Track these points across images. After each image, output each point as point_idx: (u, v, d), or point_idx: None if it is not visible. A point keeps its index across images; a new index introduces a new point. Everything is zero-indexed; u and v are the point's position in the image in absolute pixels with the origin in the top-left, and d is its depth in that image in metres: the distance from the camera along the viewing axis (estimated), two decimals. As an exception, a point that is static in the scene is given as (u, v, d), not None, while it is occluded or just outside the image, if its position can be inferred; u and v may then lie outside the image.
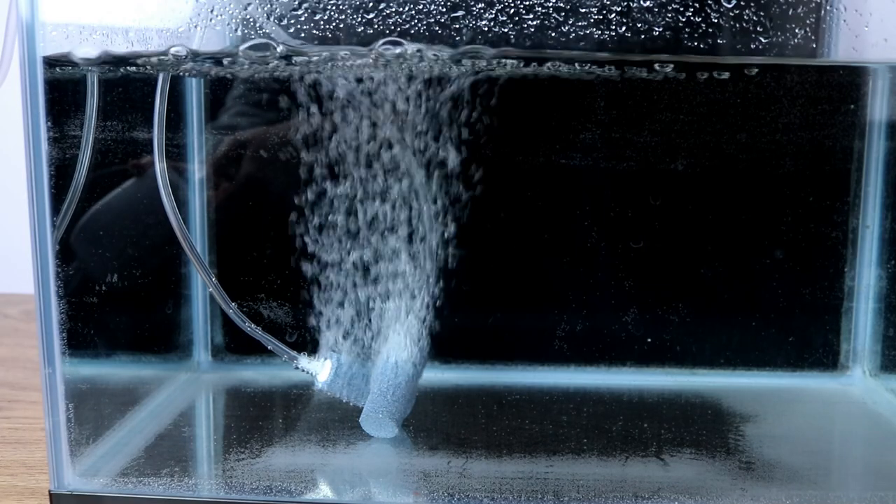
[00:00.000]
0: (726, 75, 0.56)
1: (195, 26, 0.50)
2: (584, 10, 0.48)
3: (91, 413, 0.55)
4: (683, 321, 0.69)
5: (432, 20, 0.48)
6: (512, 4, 0.47)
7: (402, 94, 0.56)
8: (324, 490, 0.52)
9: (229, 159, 0.69)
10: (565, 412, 0.63)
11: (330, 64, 0.52)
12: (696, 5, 0.48)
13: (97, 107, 0.54)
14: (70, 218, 0.51)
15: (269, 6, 0.49)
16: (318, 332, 0.60)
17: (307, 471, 0.54)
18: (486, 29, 0.48)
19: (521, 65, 0.51)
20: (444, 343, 0.63)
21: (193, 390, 0.69)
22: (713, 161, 0.68)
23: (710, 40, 0.48)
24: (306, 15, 0.49)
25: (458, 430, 0.59)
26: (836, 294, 0.69)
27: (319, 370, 0.59)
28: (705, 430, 0.60)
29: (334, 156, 0.58)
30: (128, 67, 0.55)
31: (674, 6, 0.48)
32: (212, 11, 0.50)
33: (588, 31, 0.48)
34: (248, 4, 0.49)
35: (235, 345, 0.72)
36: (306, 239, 0.60)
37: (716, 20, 0.48)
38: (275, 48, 0.48)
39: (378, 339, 0.60)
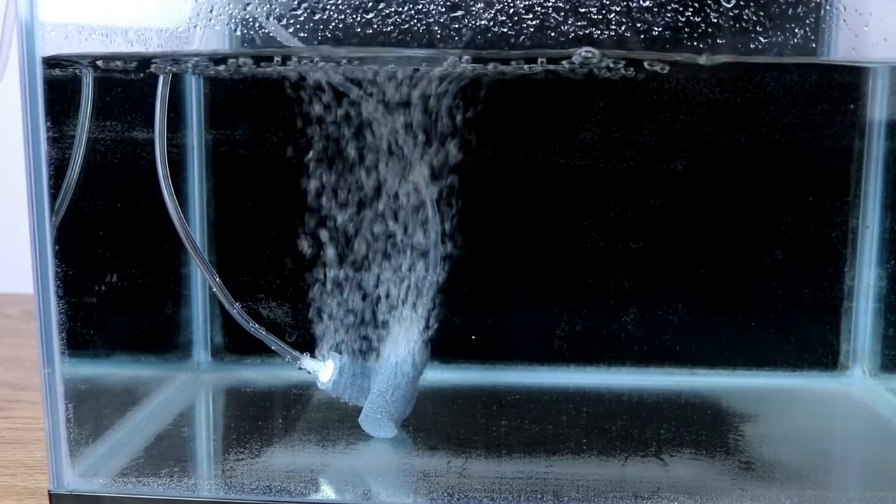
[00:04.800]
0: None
1: (195, 26, 0.50)
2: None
3: (90, 413, 0.55)
4: (683, 321, 0.69)
5: (432, 20, 0.48)
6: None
7: (404, 94, 0.56)
8: (324, 490, 0.52)
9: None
10: (565, 412, 0.63)
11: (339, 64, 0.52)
12: (696, 5, 0.48)
13: (92, 106, 0.54)
14: (62, 216, 0.51)
15: (268, 6, 0.49)
16: (319, 333, 0.60)
17: (307, 471, 0.54)
18: (484, 28, 0.48)
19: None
20: (444, 343, 0.63)
21: (193, 390, 0.69)
22: (713, 161, 0.68)
23: (709, 40, 0.48)
24: (306, 14, 0.49)
25: (458, 430, 0.59)
26: (836, 294, 0.69)
27: (322, 370, 0.59)
28: (705, 430, 0.60)
29: (336, 156, 0.58)
30: (128, 67, 0.55)
31: (673, 6, 0.48)
32: (211, 11, 0.50)
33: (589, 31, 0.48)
34: (248, 4, 0.49)
35: (235, 345, 0.72)
36: (307, 239, 0.60)
37: (715, 20, 0.48)
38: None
39: (379, 340, 0.60)
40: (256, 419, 0.62)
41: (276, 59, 0.51)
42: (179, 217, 0.59)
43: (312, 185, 0.59)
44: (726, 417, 0.62)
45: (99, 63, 0.53)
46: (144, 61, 0.54)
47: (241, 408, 0.66)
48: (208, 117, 0.69)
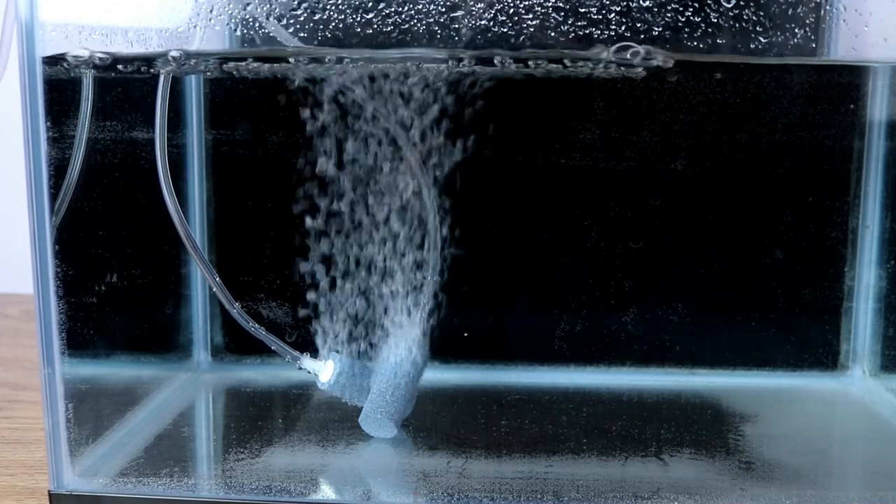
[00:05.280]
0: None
1: (195, 26, 0.50)
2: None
3: (90, 413, 0.55)
4: (683, 321, 0.69)
5: (431, 20, 0.48)
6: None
7: (403, 94, 0.56)
8: (324, 490, 0.52)
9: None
10: (565, 412, 0.63)
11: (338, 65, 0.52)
12: (696, 5, 0.48)
13: (92, 106, 0.54)
14: (62, 216, 0.51)
15: (268, 6, 0.49)
16: (319, 333, 0.60)
17: (307, 471, 0.54)
18: (484, 28, 0.48)
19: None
20: (444, 343, 0.63)
21: (193, 390, 0.69)
22: (713, 161, 0.68)
23: (709, 40, 0.48)
24: (306, 14, 0.49)
25: (458, 430, 0.59)
26: (836, 294, 0.69)
27: (322, 370, 0.59)
28: (705, 430, 0.60)
29: (336, 155, 0.58)
30: (127, 67, 0.55)
31: (673, 6, 0.48)
32: (211, 11, 0.50)
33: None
34: (248, 4, 0.49)
35: (235, 345, 0.72)
36: (307, 239, 0.60)
37: (715, 20, 0.48)
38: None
39: (379, 340, 0.60)
40: (256, 419, 0.62)
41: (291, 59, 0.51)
42: (179, 217, 0.59)
43: (312, 185, 0.59)
44: (726, 417, 0.62)
45: (98, 63, 0.53)
46: (144, 61, 0.54)
47: (241, 408, 0.66)
48: (208, 117, 0.69)
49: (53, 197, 0.49)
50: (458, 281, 0.62)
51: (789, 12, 0.49)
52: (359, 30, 0.48)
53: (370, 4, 0.48)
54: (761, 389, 0.69)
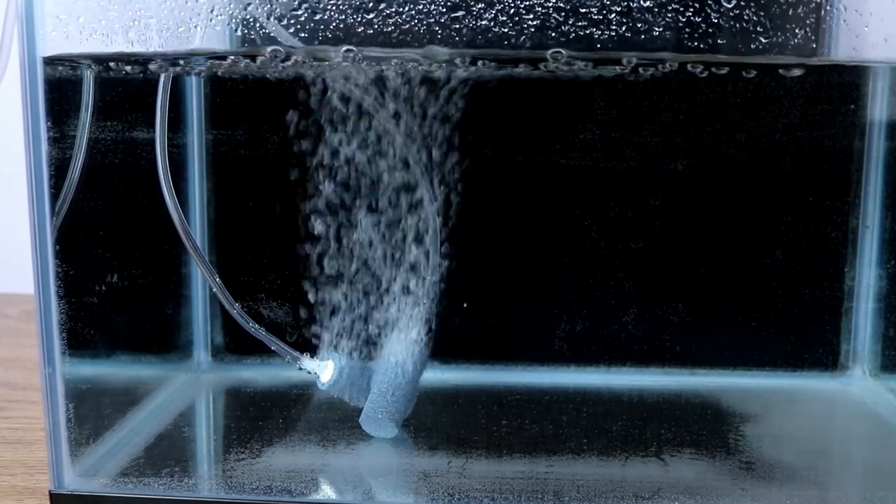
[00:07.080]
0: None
1: (195, 26, 0.50)
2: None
3: (91, 413, 0.55)
4: (683, 321, 0.69)
5: (432, 20, 0.48)
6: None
7: (402, 94, 0.56)
8: (324, 490, 0.52)
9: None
10: (565, 412, 0.63)
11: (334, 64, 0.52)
12: (696, 5, 0.48)
13: (93, 106, 0.54)
14: (63, 218, 0.51)
15: (269, 6, 0.49)
16: (320, 333, 0.60)
17: (307, 471, 0.54)
18: (485, 28, 0.48)
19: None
20: (444, 343, 0.63)
21: (193, 390, 0.69)
22: (713, 161, 0.68)
23: (709, 40, 0.48)
24: (306, 15, 0.49)
25: (458, 430, 0.59)
26: (836, 294, 0.69)
27: (322, 371, 0.59)
28: (705, 430, 0.60)
29: (335, 156, 0.58)
30: (127, 66, 0.55)
31: (674, 6, 0.48)
32: (212, 11, 0.50)
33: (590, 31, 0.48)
34: (248, 4, 0.49)
35: (235, 345, 0.72)
36: (307, 239, 0.60)
37: (716, 20, 0.48)
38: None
39: (379, 340, 0.60)
40: (257, 419, 0.62)
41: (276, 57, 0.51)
42: (180, 217, 0.59)
43: (312, 184, 0.59)
44: (726, 417, 0.62)
45: (99, 63, 0.53)
46: (145, 61, 0.54)
47: (242, 408, 0.66)
48: (208, 117, 0.69)
49: (54, 197, 0.49)
50: (459, 281, 0.62)
51: (789, 12, 0.49)
52: (360, 29, 0.48)
53: (370, 4, 0.48)
54: (761, 389, 0.69)
